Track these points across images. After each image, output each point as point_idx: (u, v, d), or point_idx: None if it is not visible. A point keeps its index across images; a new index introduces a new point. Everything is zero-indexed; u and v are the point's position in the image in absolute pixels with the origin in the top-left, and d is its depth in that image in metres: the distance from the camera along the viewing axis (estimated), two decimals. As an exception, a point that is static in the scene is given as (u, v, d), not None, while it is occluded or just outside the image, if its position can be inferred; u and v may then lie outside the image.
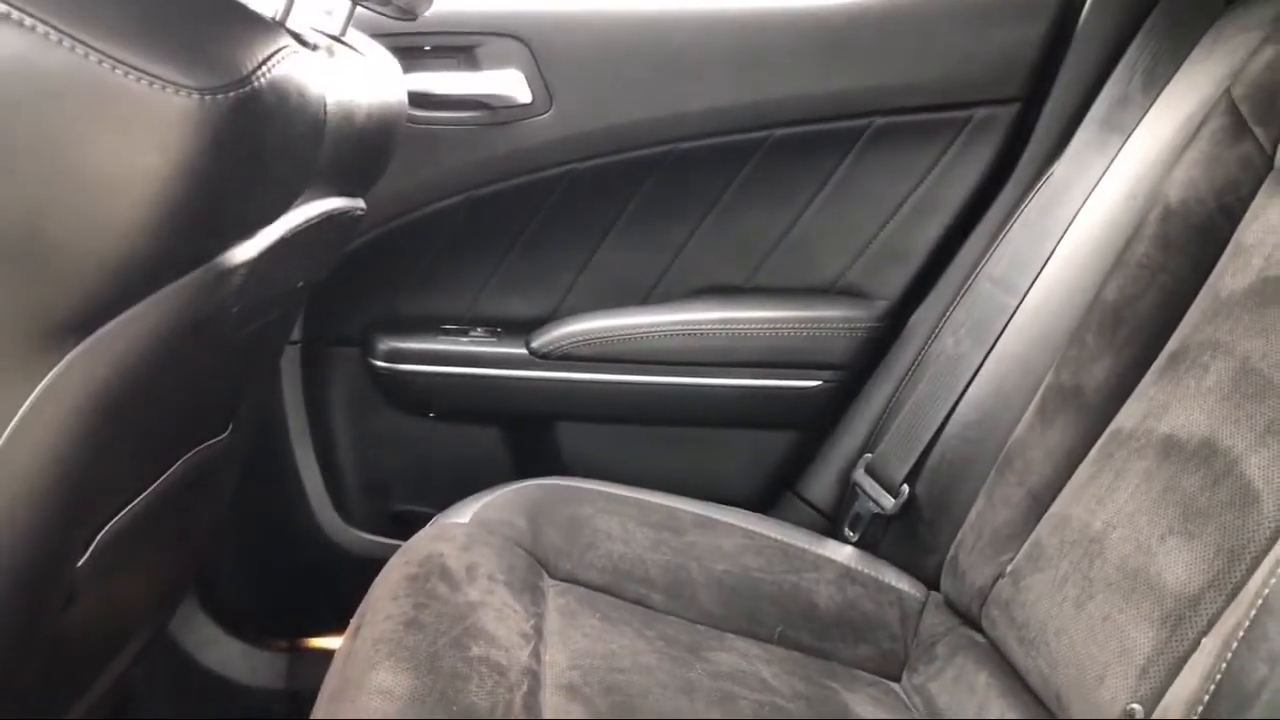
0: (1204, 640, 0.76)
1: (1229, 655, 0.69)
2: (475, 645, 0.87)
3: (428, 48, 1.32)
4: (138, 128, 0.57)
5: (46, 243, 0.57)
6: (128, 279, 0.61)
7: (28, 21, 0.54)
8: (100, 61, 0.55)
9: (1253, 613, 0.69)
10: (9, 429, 0.60)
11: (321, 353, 1.45)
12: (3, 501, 0.62)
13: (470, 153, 1.35)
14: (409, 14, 0.85)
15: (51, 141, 0.56)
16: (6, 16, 0.54)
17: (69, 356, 0.61)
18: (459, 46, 1.33)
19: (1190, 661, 0.77)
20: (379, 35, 1.23)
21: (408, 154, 1.20)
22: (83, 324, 0.61)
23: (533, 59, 1.33)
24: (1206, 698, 0.70)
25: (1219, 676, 0.69)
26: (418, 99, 1.28)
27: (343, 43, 0.92)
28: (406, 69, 1.19)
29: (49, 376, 0.61)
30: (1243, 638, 0.69)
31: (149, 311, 0.63)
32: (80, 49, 0.55)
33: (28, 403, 0.61)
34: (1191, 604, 0.81)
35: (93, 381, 0.62)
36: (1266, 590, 0.68)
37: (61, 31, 0.55)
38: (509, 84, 1.33)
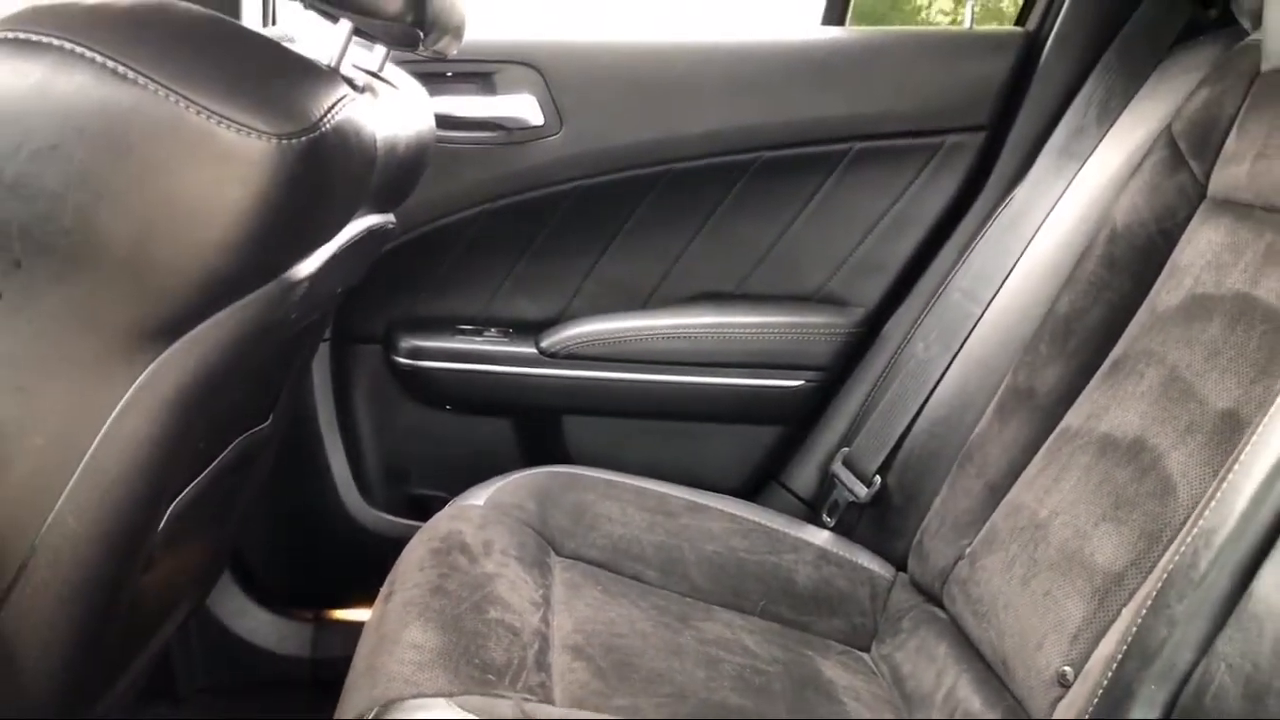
0: (1123, 610, 0.87)
1: (1139, 621, 0.79)
2: (493, 610, 0.96)
3: (450, 74, 1.38)
4: (225, 166, 0.66)
5: (149, 260, 0.67)
6: (213, 291, 0.70)
7: (140, 80, 0.64)
8: (198, 112, 0.65)
9: (1159, 585, 0.79)
10: (113, 415, 0.70)
11: (348, 350, 1.50)
12: (104, 477, 0.71)
13: (487, 169, 1.41)
14: (441, 55, 0.95)
15: (155, 176, 0.65)
16: (124, 76, 0.63)
17: (163, 355, 0.70)
18: (478, 73, 1.39)
19: (1111, 628, 0.87)
20: (406, 62, 1.30)
21: (431, 170, 1.24)
22: (175, 327, 0.70)
23: (545, 85, 1.38)
24: (1120, 657, 0.80)
25: (1130, 639, 0.79)
26: (440, 120, 1.33)
27: (380, 78, 1.01)
28: (430, 92, 1.25)
29: (146, 371, 0.70)
30: (1150, 606, 0.79)
31: (230, 318, 0.72)
32: (181, 101, 0.64)
33: (128, 393, 0.70)
34: (1117, 580, 0.91)
35: (182, 375, 0.71)
36: (1171, 565, 0.78)
37: (166, 87, 0.64)
38: (523, 107, 1.39)
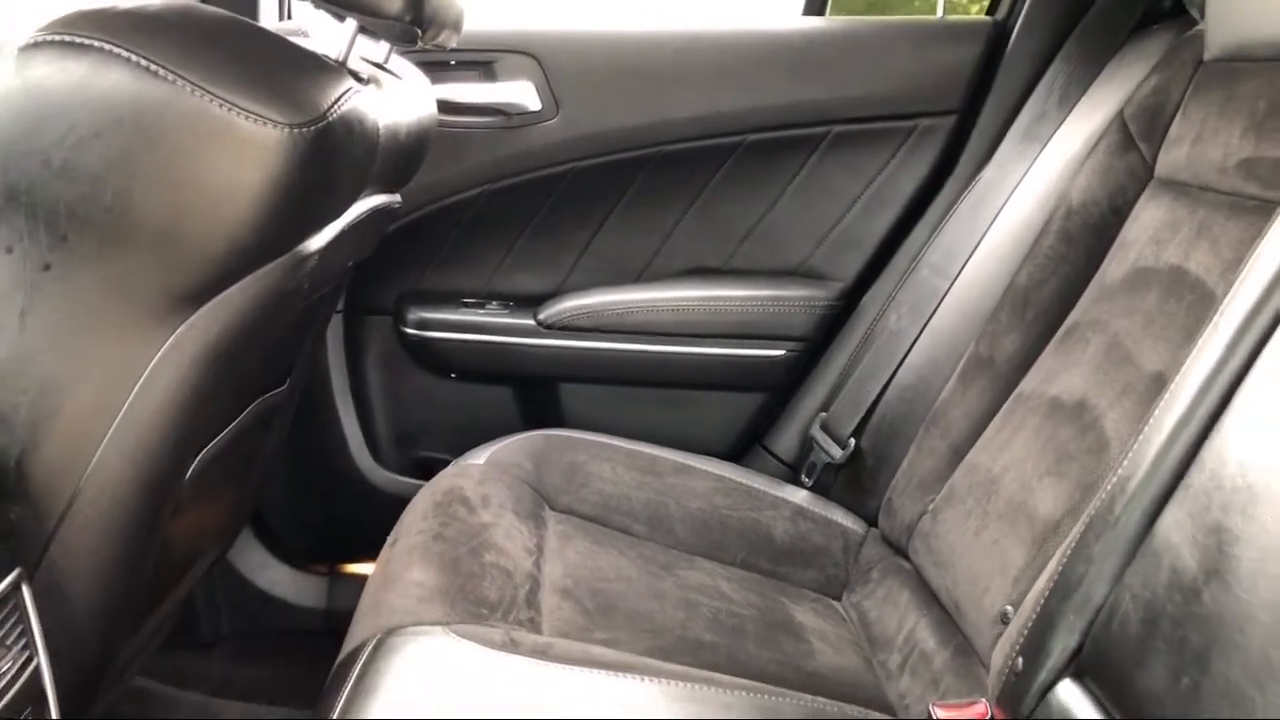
0: (1055, 553, 0.94)
1: (1064, 560, 0.87)
2: (488, 554, 1.05)
3: (453, 63, 1.45)
4: (244, 152, 0.74)
5: (178, 234, 0.75)
6: (235, 262, 0.78)
7: (170, 76, 0.71)
8: (220, 105, 0.73)
9: (1081, 528, 0.87)
10: (147, 371, 0.78)
11: (360, 321, 1.57)
12: (141, 425, 0.79)
13: (488, 152, 1.48)
14: (440, 48, 1.02)
15: (184, 161, 0.73)
16: (155, 73, 0.71)
17: (191, 318, 0.78)
18: (479, 61, 1.46)
19: (1044, 569, 0.95)
20: (411, 52, 1.37)
21: (435, 153, 1.30)
22: (201, 294, 0.78)
23: (542, 72, 1.45)
24: (1047, 593, 0.88)
25: (1056, 577, 0.87)
26: (444, 106, 1.40)
27: (385, 69, 1.09)
28: (434, 80, 1.32)
29: (176, 333, 0.78)
30: (1074, 547, 0.86)
31: (249, 286, 0.80)
32: (206, 95, 0.72)
33: (160, 352, 0.78)
34: (1054, 528, 0.99)
35: (207, 337, 0.79)
36: (1093, 511, 0.86)
37: (192, 83, 0.72)
38: (522, 94, 1.46)
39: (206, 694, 1.53)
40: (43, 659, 0.76)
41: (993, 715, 0.91)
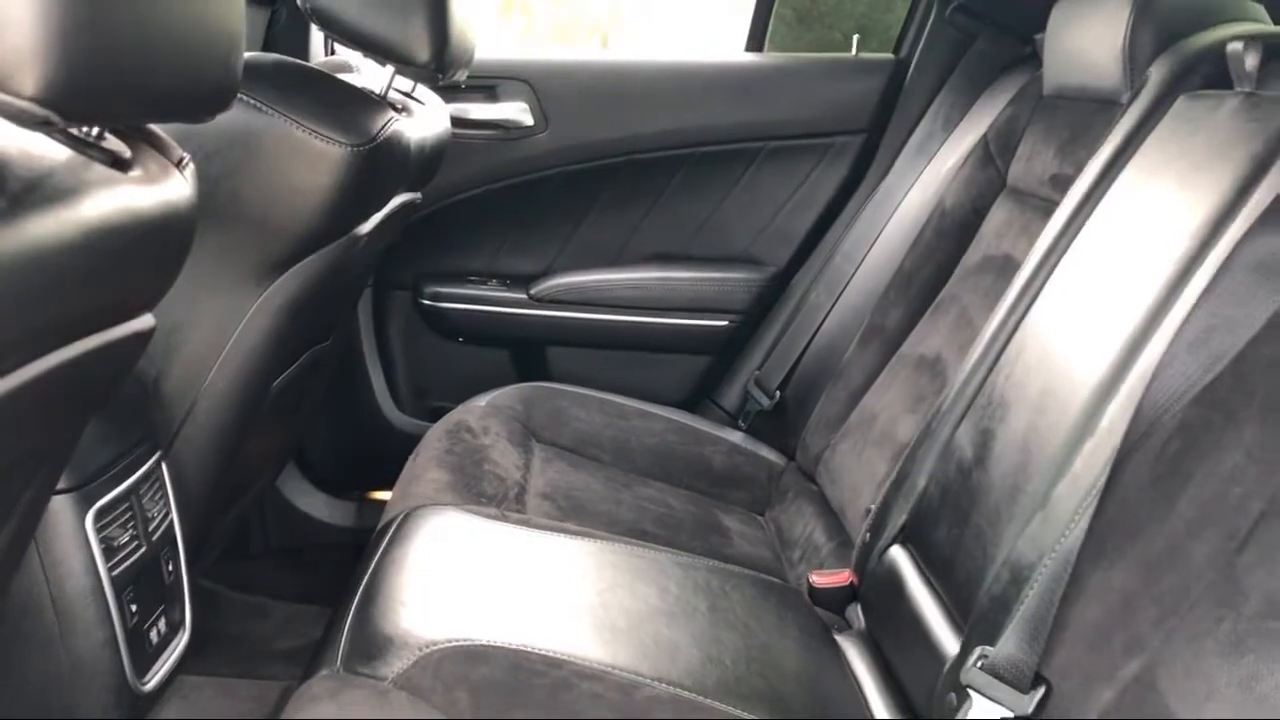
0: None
1: (901, 464, 1.15)
2: (487, 465, 1.32)
3: (462, 87, 1.68)
4: (318, 164, 1.01)
5: (270, 221, 1.02)
6: (309, 242, 1.05)
7: (268, 111, 0.99)
8: (302, 130, 1.00)
9: (913, 440, 1.15)
10: (246, 317, 1.05)
11: (386, 294, 1.82)
12: (240, 356, 1.06)
13: (490, 159, 1.73)
14: (455, 85, 1.30)
15: (276, 170, 1.01)
16: (258, 108, 0.99)
17: (276, 282, 1.05)
18: (484, 85, 1.71)
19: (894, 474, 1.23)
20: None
21: (448, 159, 1.52)
22: (283, 265, 1.05)
23: (535, 95, 1.71)
24: (888, 488, 1.16)
25: (894, 476, 1.15)
26: (455, 121, 1.62)
27: (413, 97, 1.36)
28: (447, 100, 1.56)
29: (266, 292, 1.05)
30: (908, 454, 1.15)
31: (317, 260, 1.07)
32: (292, 123, 1.00)
33: (255, 304, 1.05)
34: (904, 448, 1.27)
35: (287, 296, 1.06)
36: (920, 429, 1.14)
37: (283, 114, 0.99)
38: (518, 112, 1.71)
39: (258, 595, 1.77)
40: (175, 516, 1.04)
41: (852, 582, 1.20)
